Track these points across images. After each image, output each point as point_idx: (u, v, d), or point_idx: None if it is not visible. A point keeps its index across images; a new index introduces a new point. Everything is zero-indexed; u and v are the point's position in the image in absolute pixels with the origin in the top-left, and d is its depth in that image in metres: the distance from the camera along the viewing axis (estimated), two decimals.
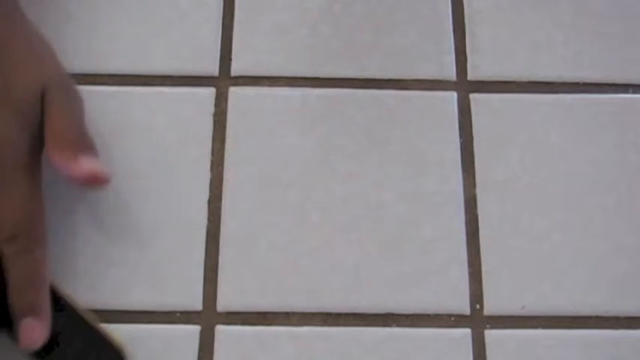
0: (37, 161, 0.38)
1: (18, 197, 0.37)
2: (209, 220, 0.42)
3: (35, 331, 0.37)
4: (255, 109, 0.44)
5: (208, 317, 0.40)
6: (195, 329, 0.40)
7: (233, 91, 0.45)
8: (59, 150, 0.38)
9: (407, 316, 0.41)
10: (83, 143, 0.39)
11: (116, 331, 0.39)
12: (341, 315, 0.41)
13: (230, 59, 0.45)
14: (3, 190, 0.37)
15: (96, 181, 0.38)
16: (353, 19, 0.46)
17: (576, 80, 0.45)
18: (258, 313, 0.40)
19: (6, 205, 0.37)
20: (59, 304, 0.38)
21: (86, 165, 0.38)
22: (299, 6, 0.47)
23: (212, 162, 0.43)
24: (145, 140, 0.43)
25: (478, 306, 0.41)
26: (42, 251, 0.38)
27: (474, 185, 0.43)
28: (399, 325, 0.40)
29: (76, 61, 0.45)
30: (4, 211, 0.37)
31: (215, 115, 0.44)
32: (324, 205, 0.42)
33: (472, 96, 0.45)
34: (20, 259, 0.37)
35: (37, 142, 0.38)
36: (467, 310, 0.41)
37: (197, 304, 0.40)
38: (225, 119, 0.44)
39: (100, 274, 0.41)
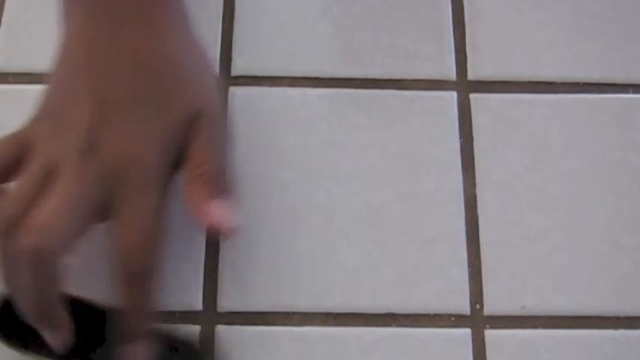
0: (167, 189, 0.36)
1: (141, 212, 0.35)
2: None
3: (140, 357, 0.36)
4: (256, 109, 0.44)
5: (208, 317, 0.40)
6: (195, 329, 0.40)
7: (233, 91, 0.45)
8: (194, 187, 0.36)
9: (407, 316, 0.41)
10: (220, 185, 0.37)
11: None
12: (341, 315, 0.41)
13: (230, 59, 0.45)
14: (136, 203, 0.35)
15: (220, 232, 0.37)
16: (353, 19, 0.46)
17: (576, 80, 0.45)
18: (258, 313, 0.40)
19: (127, 220, 0.35)
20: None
21: (215, 213, 0.36)
22: (299, 6, 0.47)
23: None
24: None
25: (478, 306, 0.41)
26: (153, 279, 0.36)
27: (474, 185, 0.43)
28: (399, 325, 0.40)
29: None
30: (124, 226, 0.35)
31: None
32: (324, 205, 0.42)
33: (472, 96, 0.45)
34: (138, 287, 0.35)
35: (172, 170, 0.36)
36: (467, 310, 0.41)
37: (197, 304, 0.41)
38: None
39: (100, 274, 0.41)
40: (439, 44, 0.46)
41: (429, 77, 0.45)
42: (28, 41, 0.46)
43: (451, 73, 0.45)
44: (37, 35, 0.46)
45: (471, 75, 0.45)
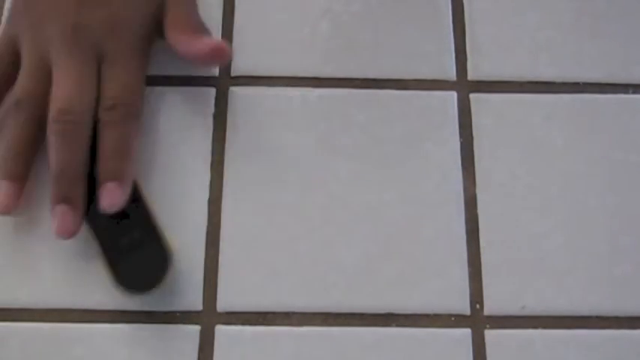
0: (150, 44, 0.43)
1: (126, 70, 0.41)
2: (209, 220, 0.42)
3: (114, 195, 0.39)
4: (255, 109, 0.44)
5: (208, 317, 0.40)
6: (195, 329, 0.40)
7: (233, 91, 0.45)
8: (181, 32, 0.42)
9: (407, 316, 0.41)
10: (203, 28, 0.43)
11: (116, 331, 0.40)
12: (341, 315, 0.41)
13: (230, 59, 0.45)
14: (116, 61, 0.41)
15: (219, 54, 0.42)
16: (353, 19, 0.46)
17: (576, 80, 0.45)
18: (258, 313, 0.40)
19: (114, 76, 0.41)
20: (135, 193, 0.41)
21: (209, 41, 0.42)
22: (299, 6, 0.47)
23: (212, 162, 0.43)
24: (145, 140, 0.43)
25: (478, 306, 0.41)
26: (135, 125, 0.41)
27: (474, 185, 0.43)
28: (399, 325, 0.40)
29: None
30: (112, 81, 0.41)
31: (215, 115, 0.44)
32: (324, 205, 0.42)
33: (472, 96, 0.45)
34: (113, 128, 0.40)
35: (154, 27, 0.42)
36: (467, 310, 0.41)
37: (197, 304, 0.41)
38: (225, 119, 0.44)
39: (100, 274, 0.41)
40: (439, 44, 0.46)
41: (429, 77, 0.45)
42: None
43: (451, 73, 0.45)
44: None
45: (471, 75, 0.45)
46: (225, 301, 0.41)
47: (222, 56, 0.42)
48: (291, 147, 0.43)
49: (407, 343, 0.40)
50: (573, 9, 0.47)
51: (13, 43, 0.42)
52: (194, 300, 0.41)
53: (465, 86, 0.45)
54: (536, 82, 0.45)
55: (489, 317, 0.41)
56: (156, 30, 0.43)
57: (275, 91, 0.45)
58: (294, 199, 0.42)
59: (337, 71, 0.45)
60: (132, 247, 0.40)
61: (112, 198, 0.39)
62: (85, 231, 0.41)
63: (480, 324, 0.41)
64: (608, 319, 0.41)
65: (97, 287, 0.41)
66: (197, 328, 0.40)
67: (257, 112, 0.44)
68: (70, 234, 0.39)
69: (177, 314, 0.40)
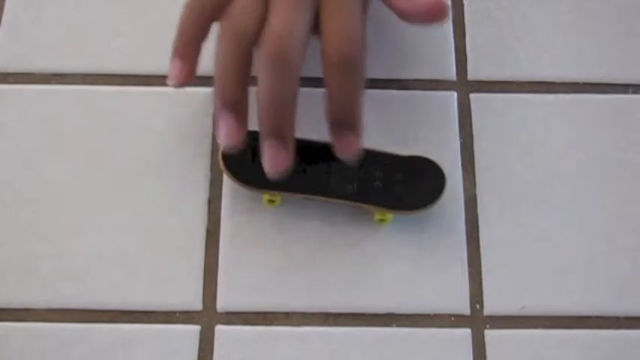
0: None
1: (353, 21, 0.38)
2: (209, 220, 0.42)
3: (353, 143, 0.39)
4: (255, 109, 0.44)
5: (208, 317, 0.40)
6: (195, 329, 0.40)
7: None
8: None
9: (407, 316, 0.41)
10: None
11: (116, 331, 0.40)
12: (341, 315, 0.41)
13: None
14: (342, 8, 0.38)
15: (436, 13, 0.39)
16: None
17: (576, 80, 0.45)
18: (258, 313, 0.40)
19: (342, 24, 0.38)
20: None
21: None
22: None
23: (212, 162, 0.43)
24: (145, 140, 0.43)
25: (478, 306, 0.41)
26: (363, 79, 0.39)
27: (474, 185, 0.43)
28: (399, 325, 0.40)
29: (76, 61, 0.45)
30: (341, 29, 0.38)
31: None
32: (324, 204, 0.42)
33: (472, 96, 0.45)
34: (347, 84, 0.38)
35: None
36: (467, 310, 0.41)
37: (197, 304, 0.41)
38: None
39: (100, 274, 0.41)
40: (439, 44, 0.46)
41: (429, 77, 0.45)
42: (28, 41, 0.46)
43: (451, 73, 0.45)
44: (37, 35, 0.46)
45: (471, 75, 0.45)
46: (225, 301, 0.41)
47: (440, 16, 0.39)
48: None
49: (407, 343, 0.40)
50: (573, 9, 0.47)
51: None
52: (194, 300, 0.41)
53: (465, 86, 0.45)
54: (536, 82, 0.45)
55: (489, 317, 0.41)
56: None
57: None
58: (293, 198, 0.42)
59: None
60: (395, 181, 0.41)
61: (349, 149, 0.39)
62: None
63: (480, 324, 0.41)
64: (608, 319, 0.41)
65: (98, 287, 0.41)
66: (197, 328, 0.40)
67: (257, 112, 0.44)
68: (279, 168, 0.38)
69: (177, 314, 0.40)
